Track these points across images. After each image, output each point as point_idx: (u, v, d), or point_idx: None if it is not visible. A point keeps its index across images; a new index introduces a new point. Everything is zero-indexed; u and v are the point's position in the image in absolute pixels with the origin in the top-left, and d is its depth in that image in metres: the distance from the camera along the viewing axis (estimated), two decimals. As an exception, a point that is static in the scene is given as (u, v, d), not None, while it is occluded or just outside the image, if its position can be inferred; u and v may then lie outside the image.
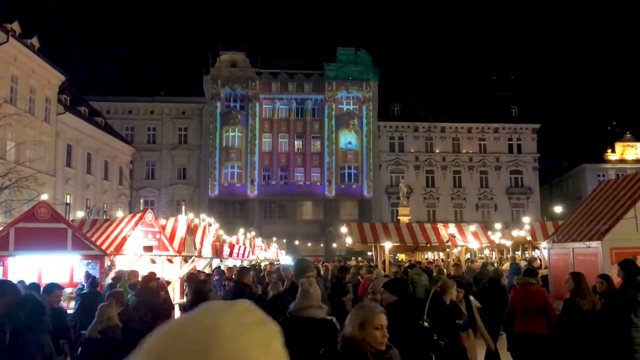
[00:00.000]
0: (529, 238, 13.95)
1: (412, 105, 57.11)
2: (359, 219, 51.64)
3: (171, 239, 12.71)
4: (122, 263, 10.36)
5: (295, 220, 53.50)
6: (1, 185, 23.39)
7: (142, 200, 35.00)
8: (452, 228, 13.25)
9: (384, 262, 13.67)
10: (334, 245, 49.79)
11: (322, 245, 52.86)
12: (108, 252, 10.09)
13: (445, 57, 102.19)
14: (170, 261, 11.78)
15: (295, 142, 55.59)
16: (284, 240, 49.79)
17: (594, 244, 7.89)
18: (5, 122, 28.27)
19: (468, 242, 13.39)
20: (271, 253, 34.49)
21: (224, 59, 56.00)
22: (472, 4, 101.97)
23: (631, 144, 57.83)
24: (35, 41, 32.90)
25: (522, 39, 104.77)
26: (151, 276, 8.86)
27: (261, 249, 30.59)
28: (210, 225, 15.79)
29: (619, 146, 57.89)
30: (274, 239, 40.81)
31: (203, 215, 14.75)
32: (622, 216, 7.79)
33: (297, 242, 51.82)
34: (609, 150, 57.79)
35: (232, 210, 52.71)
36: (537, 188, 57.41)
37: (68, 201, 36.71)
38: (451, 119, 56.54)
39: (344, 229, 15.79)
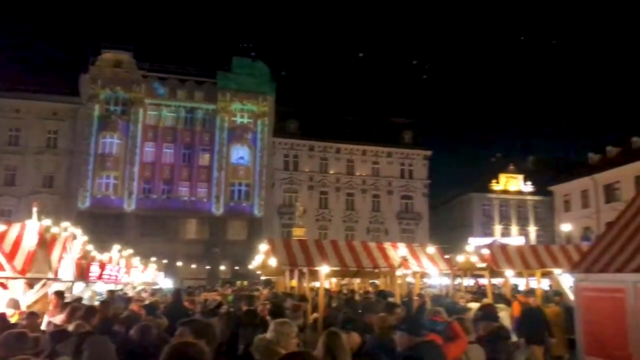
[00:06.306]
0: (479, 265, 11.65)
1: (309, 123, 55.02)
2: (248, 239, 48.22)
3: (12, 254, 8.80)
4: None
5: (178, 239, 48.74)
6: None
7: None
8: (402, 249, 10.54)
9: (314, 291, 10.73)
10: (222, 267, 45.98)
11: (207, 267, 48.52)
12: None
13: (343, 77, 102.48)
14: (5, 286, 7.89)
15: (182, 153, 51.14)
16: (164, 261, 44.82)
17: None
18: None
19: (424, 267, 10.73)
20: (148, 275, 30.10)
21: (106, 58, 50.52)
22: (371, 28, 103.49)
23: (514, 175, 60.04)
24: None
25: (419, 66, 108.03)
26: None
27: (137, 270, 26.38)
28: (74, 237, 11.86)
29: (502, 177, 59.84)
30: (153, 259, 36.04)
31: (66, 224, 10.84)
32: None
33: (179, 264, 47.06)
34: (494, 181, 59.53)
35: (104, 225, 46.58)
36: (427, 214, 57.60)
37: None
38: (346, 139, 55.43)
39: (263, 247, 12.52)
